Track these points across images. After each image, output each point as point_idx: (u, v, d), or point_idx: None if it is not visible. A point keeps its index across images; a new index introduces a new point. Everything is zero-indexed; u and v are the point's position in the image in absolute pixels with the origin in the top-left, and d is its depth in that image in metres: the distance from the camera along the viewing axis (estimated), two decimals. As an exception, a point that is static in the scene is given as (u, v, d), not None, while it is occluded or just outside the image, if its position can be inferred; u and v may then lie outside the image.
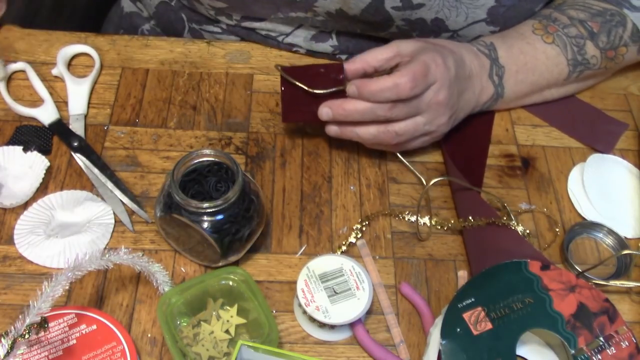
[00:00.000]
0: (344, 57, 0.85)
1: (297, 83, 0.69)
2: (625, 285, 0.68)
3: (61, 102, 0.78)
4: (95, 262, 0.58)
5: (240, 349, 0.54)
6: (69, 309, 0.61)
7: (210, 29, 0.88)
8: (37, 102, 0.77)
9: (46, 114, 0.76)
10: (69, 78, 0.79)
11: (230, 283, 0.61)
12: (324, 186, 0.74)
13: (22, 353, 0.57)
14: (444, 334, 0.59)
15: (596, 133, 0.80)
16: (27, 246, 0.66)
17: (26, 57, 0.81)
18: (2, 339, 0.53)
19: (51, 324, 0.59)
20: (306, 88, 0.69)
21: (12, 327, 0.53)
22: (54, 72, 0.80)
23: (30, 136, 0.74)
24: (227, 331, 0.61)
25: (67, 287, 0.56)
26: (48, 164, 0.72)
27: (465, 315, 0.60)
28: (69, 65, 0.81)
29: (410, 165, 0.75)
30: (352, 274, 0.63)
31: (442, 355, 0.58)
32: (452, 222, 0.71)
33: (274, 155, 0.76)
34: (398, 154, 0.75)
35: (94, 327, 0.60)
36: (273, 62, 0.84)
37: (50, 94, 0.78)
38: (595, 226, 0.72)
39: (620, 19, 0.76)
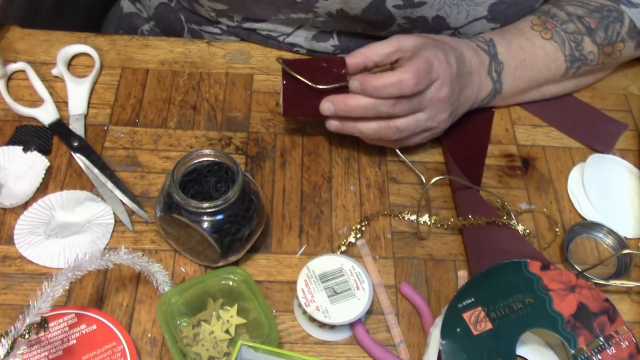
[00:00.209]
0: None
1: (299, 77, 0.68)
2: (625, 285, 0.68)
3: (61, 102, 0.78)
4: (95, 262, 0.58)
5: (240, 349, 0.54)
6: (69, 309, 0.61)
7: (210, 30, 0.88)
8: (37, 102, 0.77)
9: (46, 114, 0.76)
10: (69, 78, 0.79)
11: (230, 283, 0.61)
12: (324, 186, 0.74)
13: (22, 353, 0.57)
14: (444, 334, 0.59)
15: (596, 133, 0.80)
16: (27, 246, 0.66)
17: (26, 57, 0.81)
18: (2, 339, 0.53)
19: (51, 324, 0.59)
20: (309, 83, 0.68)
21: (12, 327, 0.53)
22: (54, 72, 0.80)
23: (30, 136, 0.74)
24: (227, 331, 0.61)
25: (67, 287, 0.56)
26: (48, 164, 0.72)
27: (465, 315, 0.60)
28: (69, 65, 0.81)
29: (410, 164, 0.75)
30: (352, 274, 0.63)
31: (442, 355, 0.58)
32: (452, 220, 0.71)
33: (274, 155, 0.76)
34: (398, 152, 0.75)
35: (94, 327, 0.60)
36: (273, 62, 0.84)
37: (50, 94, 0.78)
38: (595, 226, 0.72)
39: (618, 15, 0.77)
